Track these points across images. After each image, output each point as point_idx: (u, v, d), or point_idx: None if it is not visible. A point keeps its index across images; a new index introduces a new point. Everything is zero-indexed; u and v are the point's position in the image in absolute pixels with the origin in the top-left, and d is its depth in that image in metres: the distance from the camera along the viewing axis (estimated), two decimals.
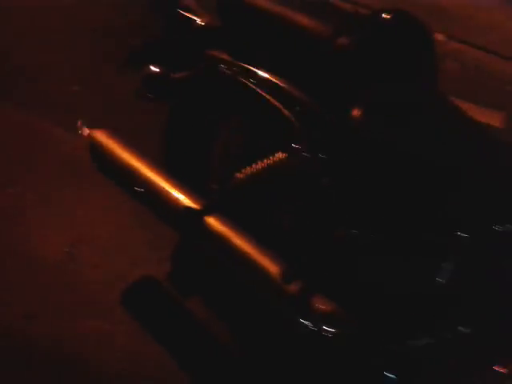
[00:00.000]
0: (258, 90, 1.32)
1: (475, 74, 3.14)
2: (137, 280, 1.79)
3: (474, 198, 1.21)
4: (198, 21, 1.50)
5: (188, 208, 1.43)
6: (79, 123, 1.57)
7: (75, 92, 2.53)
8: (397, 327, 1.26)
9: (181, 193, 1.48)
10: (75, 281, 1.76)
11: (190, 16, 1.52)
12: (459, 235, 1.22)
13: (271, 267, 1.30)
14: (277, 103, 1.31)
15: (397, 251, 1.28)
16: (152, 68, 1.36)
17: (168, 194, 1.49)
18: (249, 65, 1.35)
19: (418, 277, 1.26)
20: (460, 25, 3.45)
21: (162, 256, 1.84)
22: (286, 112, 1.30)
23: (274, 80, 1.31)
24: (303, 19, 1.31)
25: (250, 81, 1.34)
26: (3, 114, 2.36)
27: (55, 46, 2.80)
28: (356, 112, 1.20)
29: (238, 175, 1.43)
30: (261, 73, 1.33)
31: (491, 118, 3.04)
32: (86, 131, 1.60)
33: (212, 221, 1.41)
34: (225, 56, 1.39)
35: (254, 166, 1.38)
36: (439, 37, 3.22)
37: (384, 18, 1.35)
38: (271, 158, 1.35)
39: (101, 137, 1.63)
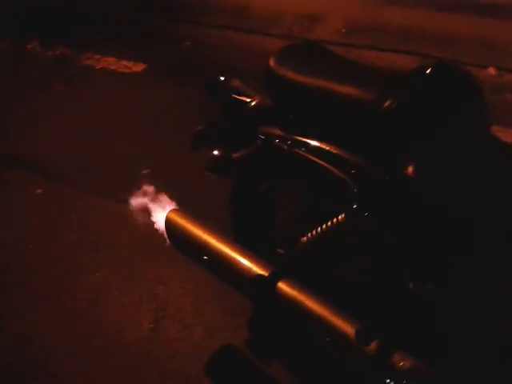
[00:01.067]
0: (313, 158, 1.40)
1: None
2: (218, 349, 1.86)
3: None
4: (249, 101, 1.64)
5: (259, 275, 1.50)
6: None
7: (146, 173, 2.74)
8: (481, 375, 1.24)
9: (251, 261, 1.56)
10: (161, 354, 1.85)
11: (242, 98, 1.66)
12: None
13: (347, 328, 1.33)
14: (331, 168, 1.38)
15: (474, 302, 1.27)
16: (214, 151, 1.49)
17: (239, 263, 1.58)
18: (301, 136, 1.45)
19: (496, 326, 1.25)
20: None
21: (239, 323, 1.92)
22: (341, 175, 1.37)
23: (327, 147, 1.39)
24: (347, 88, 1.40)
25: (304, 151, 1.43)
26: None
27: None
28: (409, 169, 1.25)
29: (303, 239, 1.49)
30: (313, 142, 1.42)
31: None
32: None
33: (283, 285, 1.47)
34: (277, 131, 1.50)
35: (317, 228, 1.45)
36: (492, 71, 3.23)
37: (425, 74, 1.42)
38: (332, 219, 1.41)
39: (174, 216, 1.76)
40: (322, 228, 1.43)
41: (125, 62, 3.80)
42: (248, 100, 1.64)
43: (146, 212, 2.44)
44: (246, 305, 1.96)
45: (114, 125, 3.14)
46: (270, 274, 1.49)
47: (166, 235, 1.78)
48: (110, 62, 3.84)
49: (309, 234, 1.47)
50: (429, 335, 1.29)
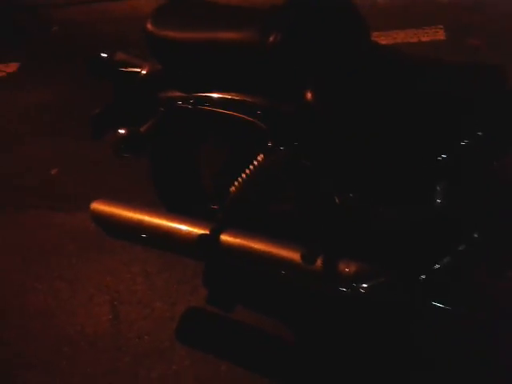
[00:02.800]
0: (218, 109, 1.43)
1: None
2: (182, 315, 1.91)
3: (435, 122, 1.32)
4: (139, 71, 1.61)
5: (201, 235, 1.54)
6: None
7: (56, 173, 2.64)
8: (418, 258, 1.38)
9: (189, 225, 1.59)
10: (129, 339, 1.88)
11: (131, 70, 1.63)
12: (441, 158, 1.33)
13: (293, 255, 1.42)
14: (238, 114, 1.42)
15: (394, 195, 1.39)
16: (120, 131, 1.47)
17: (179, 230, 1.60)
18: (201, 92, 1.46)
19: (420, 208, 1.38)
20: None
21: (194, 286, 1.97)
22: (249, 119, 1.41)
23: (228, 96, 1.42)
24: (229, 33, 1.41)
25: (207, 105, 1.45)
26: None
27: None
28: (307, 94, 1.32)
29: (232, 189, 1.54)
30: (214, 94, 1.44)
31: (434, 35, 3.17)
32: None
33: (226, 237, 1.52)
34: (177, 93, 1.50)
35: (242, 175, 1.49)
36: None
37: (297, 2, 1.46)
38: (253, 162, 1.46)
39: (99, 206, 1.74)
40: (246, 173, 1.48)
41: None
42: (138, 70, 1.62)
43: (68, 212, 2.38)
44: (195, 268, 2.01)
45: (5, 134, 2.97)
46: (211, 230, 1.54)
47: (97, 227, 1.76)
48: None
49: (236, 183, 1.51)
50: (364, 237, 1.41)
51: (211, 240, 1.53)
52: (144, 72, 1.57)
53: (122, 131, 1.47)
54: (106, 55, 1.68)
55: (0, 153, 2.83)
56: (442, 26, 3.19)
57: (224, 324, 1.84)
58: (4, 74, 3.51)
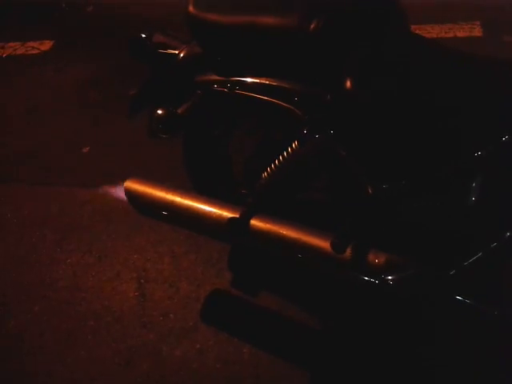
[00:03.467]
0: (255, 95, 1.44)
1: None
2: (207, 296, 1.94)
3: (474, 116, 1.31)
4: (178, 53, 1.63)
5: (231, 218, 1.56)
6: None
7: (87, 152, 2.69)
8: (449, 253, 1.38)
9: (219, 208, 1.61)
10: (155, 317, 1.92)
11: (169, 52, 1.65)
12: (476, 154, 1.32)
13: (323, 244, 1.42)
14: (275, 100, 1.43)
15: (428, 188, 1.39)
16: (158, 111, 1.49)
17: (209, 212, 1.62)
18: (239, 77, 1.47)
19: (454, 203, 1.37)
20: None
21: (220, 268, 2.00)
22: (285, 105, 1.41)
23: (266, 81, 1.43)
24: (270, 18, 1.41)
25: (245, 90, 1.46)
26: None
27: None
28: (347, 82, 1.31)
29: (264, 174, 1.55)
30: (252, 79, 1.45)
31: (470, 31, 3.11)
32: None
33: (255, 222, 1.53)
34: (214, 77, 1.51)
35: (275, 161, 1.50)
36: None
37: None
38: (287, 148, 1.47)
39: (133, 184, 1.77)
40: (279, 159, 1.48)
41: (31, 44, 3.60)
42: (176, 52, 1.63)
43: (101, 190, 2.43)
44: (221, 251, 2.04)
45: (40, 108, 3.03)
46: (240, 214, 1.55)
47: (129, 205, 1.79)
48: (16, 47, 3.63)
49: (268, 169, 1.53)
50: (396, 229, 1.41)
51: (241, 223, 1.55)
52: (182, 54, 1.58)
53: (159, 111, 1.49)
54: (145, 36, 1.70)
55: (34, 127, 2.89)
56: (478, 23, 3.14)
57: (248, 308, 1.87)
58: (38, 51, 3.57)
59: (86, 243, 2.21)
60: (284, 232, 1.49)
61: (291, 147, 1.45)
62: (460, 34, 3.11)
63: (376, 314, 1.74)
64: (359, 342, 1.73)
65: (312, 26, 1.33)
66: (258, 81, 1.44)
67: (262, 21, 1.41)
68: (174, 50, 1.64)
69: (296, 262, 1.51)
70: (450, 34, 3.13)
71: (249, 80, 1.45)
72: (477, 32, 3.10)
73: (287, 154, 1.47)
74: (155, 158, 2.46)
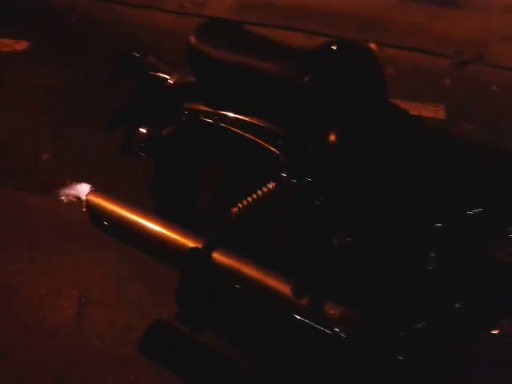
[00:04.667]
0: (240, 131, 1.46)
1: (412, 74, 3.44)
2: (148, 327, 1.87)
3: (445, 191, 1.39)
4: (169, 78, 1.64)
5: (194, 249, 1.54)
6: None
7: (47, 158, 2.60)
8: (400, 315, 1.42)
9: (182, 235, 1.59)
10: (91, 339, 1.83)
11: (160, 75, 1.66)
12: (438, 225, 1.39)
13: (282, 287, 1.43)
14: (259, 140, 1.45)
15: (389, 249, 1.44)
16: (141, 129, 1.48)
17: (170, 238, 1.60)
18: (227, 111, 1.50)
19: (410, 268, 1.42)
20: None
21: (168, 300, 1.94)
22: (268, 146, 1.45)
23: (253, 120, 1.46)
24: (267, 64, 1.46)
25: (230, 125, 1.48)
26: None
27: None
28: (331, 136, 1.37)
29: (234, 209, 1.55)
30: (239, 116, 1.47)
31: (435, 112, 3.32)
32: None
33: (217, 255, 1.52)
34: (203, 107, 1.53)
35: (247, 198, 1.51)
36: (373, 46, 3.50)
37: (332, 51, 1.53)
38: (262, 188, 1.48)
39: (95, 198, 1.72)
40: (252, 197, 1.50)
41: (5, 40, 3.52)
42: (167, 77, 1.65)
43: (54, 199, 2.34)
44: (173, 281, 1.99)
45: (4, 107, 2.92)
46: (203, 245, 1.54)
47: (83, 219, 1.73)
48: None
49: (239, 204, 1.53)
50: (354, 283, 1.44)
51: (202, 254, 1.53)
52: (173, 80, 1.60)
53: (143, 130, 1.48)
54: (138, 55, 1.71)
55: None
56: (443, 106, 3.35)
57: (190, 344, 1.82)
58: (11, 49, 3.48)
59: (29, 252, 2.11)
60: (246, 270, 1.48)
61: (267, 188, 1.47)
62: (425, 114, 3.30)
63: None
64: None
65: (306, 79, 1.38)
66: (245, 119, 1.47)
67: (260, 65, 1.45)
68: (165, 74, 1.66)
69: (254, 301, 1.50)
70: (416, 112, 3.32)
71: (236, 116, 1.48)
72: (440, 114, 3.31)
73: (261, 193, 1.48)
74: (119, 173, 2.40)
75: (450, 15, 3.99)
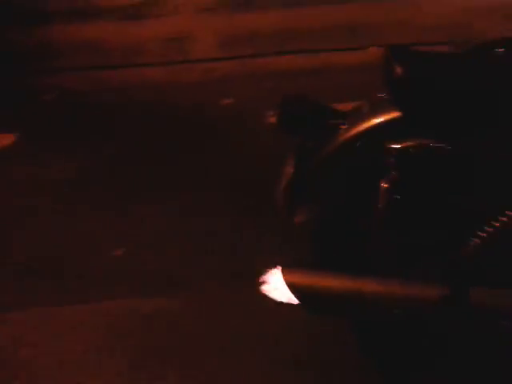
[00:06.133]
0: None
1: None
2: None
3: None
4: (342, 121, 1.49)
5: (445, 296, 1.39)
6: None
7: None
8: None
9: (411, 288, 1.45)
10: None
11: (334, 121, 1.50)
12: None
13: None
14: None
15: None
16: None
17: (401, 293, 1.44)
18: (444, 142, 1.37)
19: None
20: None
21: None
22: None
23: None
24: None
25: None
26: None
27: None
28: None
29: (473, 242, 1.42)
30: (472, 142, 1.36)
31: None
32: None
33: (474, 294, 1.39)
34: (414, 141, 1.39)
35: (486, 229, 1.39)
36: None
37: None
38: (503, 218, 1.37)
39: (290, 274, 1.52)
40: (495, 227, 1.38)
41: None
42: (341, 121, 1.49)
43: None
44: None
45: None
46: (451, 288, 1.40)
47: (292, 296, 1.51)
48: None
49: (479, 236, 1.40)
50: None
51: (456, 298, 1.39)
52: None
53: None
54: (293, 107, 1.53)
55: None
56: None
57: None
58: None
59: None
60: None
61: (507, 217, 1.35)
62: None
63: None
64: None
65: None
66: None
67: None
68: (338, 119, 1.50)
69: None
70: None
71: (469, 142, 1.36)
72: None
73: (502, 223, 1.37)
74: None
75: None
